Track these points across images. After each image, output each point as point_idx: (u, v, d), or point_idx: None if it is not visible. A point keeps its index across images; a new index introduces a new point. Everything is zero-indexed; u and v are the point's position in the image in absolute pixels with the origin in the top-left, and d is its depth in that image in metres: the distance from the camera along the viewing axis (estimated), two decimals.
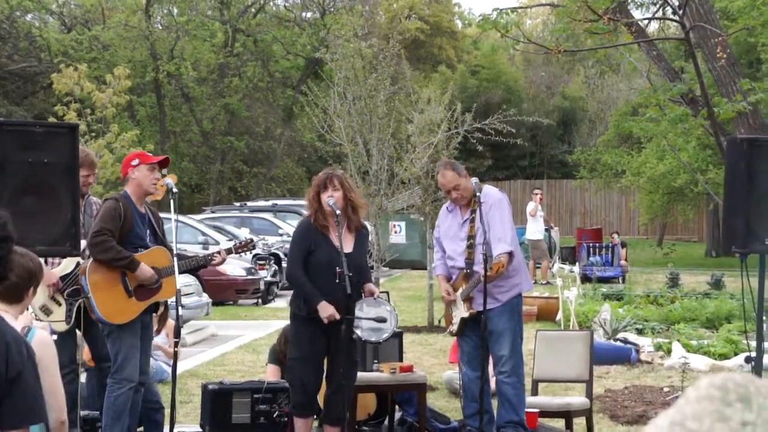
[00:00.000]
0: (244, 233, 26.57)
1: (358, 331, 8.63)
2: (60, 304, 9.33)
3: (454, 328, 9.42)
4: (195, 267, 9.51)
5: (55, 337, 9.27)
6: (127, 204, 8.75)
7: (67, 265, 9.38)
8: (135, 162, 8.91)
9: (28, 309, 5.70)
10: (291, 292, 9.44)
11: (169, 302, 9.34)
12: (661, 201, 35.24)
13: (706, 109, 13.59)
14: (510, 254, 9.04)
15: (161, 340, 12.30)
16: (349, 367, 8.81)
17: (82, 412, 9.25)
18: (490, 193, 9.31)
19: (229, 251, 9.67)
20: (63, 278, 9.38)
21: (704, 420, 1.69)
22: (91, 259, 8.65)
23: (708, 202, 36.35)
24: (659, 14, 26.01)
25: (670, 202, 35.45)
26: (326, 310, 8.63)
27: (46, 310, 9.31)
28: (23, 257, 5.06)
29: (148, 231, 8.93)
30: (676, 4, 16.30)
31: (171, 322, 13.03)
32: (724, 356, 14.05)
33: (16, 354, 4.42)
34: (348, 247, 8.79)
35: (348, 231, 8.91)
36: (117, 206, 8.66)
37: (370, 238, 11.23)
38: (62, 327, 9.29)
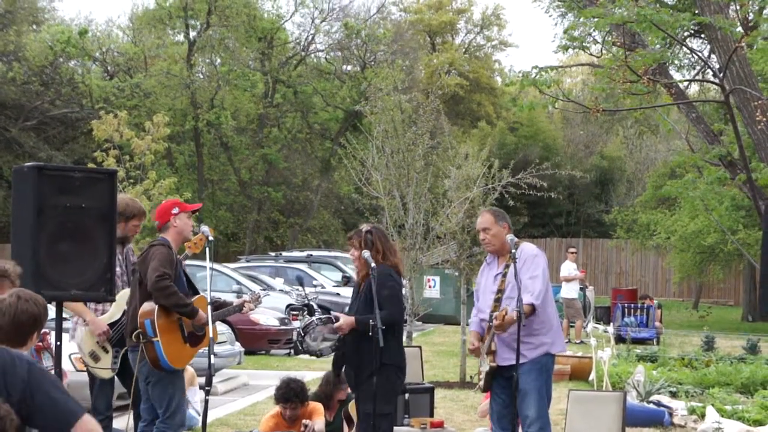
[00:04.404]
0: (278, 283, 26.62)
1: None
2: (107, 351, 9.36)
3: (482, 383, 9.34)
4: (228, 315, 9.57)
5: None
6: (173, 251, 8.81)
7: (114, 312, 9.40)
8: (175, 210, 8.93)
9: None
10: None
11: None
12: (693, 260, 35.04)
13: (744, 174, 13.52)
14: (532, 307, 8.93)
15: None
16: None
17: None
18: (526, 249, 9.25)
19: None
20: (110, 326, 9.40)
21: None
22: (158, 306, 8.61)
23: (740, 263, 36.07)
24: (699, 77, 26.02)
25: (702, 261, 35.23)
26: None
27: (95, 357, 9.35)
28: (27, 302, 4.95)
29: (183, 279, 8.96)
30: (717, 66, 16.28)
31: (189, 370, 13.08)
32: (758, 422, 13.87)
33: (12, 377, 4.36)
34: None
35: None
36: (170, 252, 8.69)
37: (403, 291, 11.11)
38: (107, 374, 9.33)
